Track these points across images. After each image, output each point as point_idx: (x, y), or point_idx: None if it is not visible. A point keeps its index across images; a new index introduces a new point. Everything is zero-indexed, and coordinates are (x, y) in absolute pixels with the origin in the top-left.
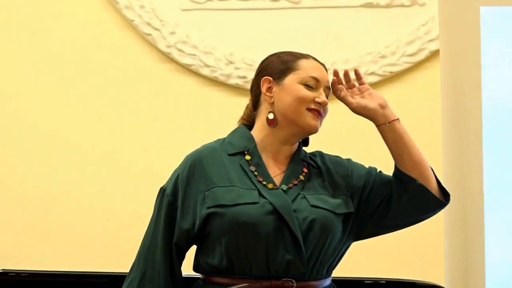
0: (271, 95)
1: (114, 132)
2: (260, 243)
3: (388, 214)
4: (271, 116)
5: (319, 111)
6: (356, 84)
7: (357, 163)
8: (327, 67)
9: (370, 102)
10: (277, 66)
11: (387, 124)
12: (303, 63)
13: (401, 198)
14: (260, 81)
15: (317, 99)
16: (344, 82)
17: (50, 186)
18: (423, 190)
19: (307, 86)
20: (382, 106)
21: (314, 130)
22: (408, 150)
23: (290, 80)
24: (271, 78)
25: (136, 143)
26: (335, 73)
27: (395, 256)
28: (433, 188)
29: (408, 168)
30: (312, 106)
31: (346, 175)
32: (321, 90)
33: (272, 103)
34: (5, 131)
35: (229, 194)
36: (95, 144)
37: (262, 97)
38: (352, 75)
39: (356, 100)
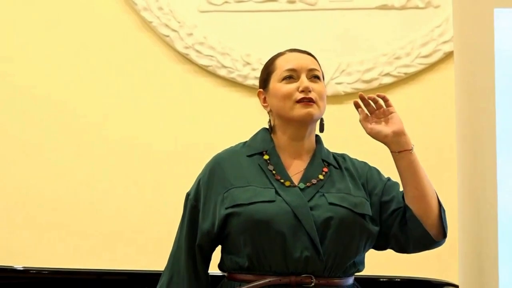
0: (266, 104)
1: (132, 131)
2: (276, 240)
3: (390, 234)
4: (269, 124)
5: (306, 98)
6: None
7: (381, 173)
8: (342, 68)
9: (384, 129)
10: (262, 77)
11: (397, 153)
12: (278, 61)
13: (402, 224)
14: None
15: (300, 88)
16: (372, 104)
17: (68, 185)
18: (416, 222)
19: (287, 79)
20: (397, 134)
21: (308, 117)
22: (412, 183)
23: (272, 83)
24: (261, 89)
25: (154, 143)
26: (361, 97)
27: (410, 255)
28: (428, 224)
29: (409, 200)
30: (299, 97)
31: (367, 179)
32: (303, 77)
33: (270, 111)
34: (21, 131)
35: (246, 194)
36: (113, 143)
37: None
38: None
39: (372, 125)
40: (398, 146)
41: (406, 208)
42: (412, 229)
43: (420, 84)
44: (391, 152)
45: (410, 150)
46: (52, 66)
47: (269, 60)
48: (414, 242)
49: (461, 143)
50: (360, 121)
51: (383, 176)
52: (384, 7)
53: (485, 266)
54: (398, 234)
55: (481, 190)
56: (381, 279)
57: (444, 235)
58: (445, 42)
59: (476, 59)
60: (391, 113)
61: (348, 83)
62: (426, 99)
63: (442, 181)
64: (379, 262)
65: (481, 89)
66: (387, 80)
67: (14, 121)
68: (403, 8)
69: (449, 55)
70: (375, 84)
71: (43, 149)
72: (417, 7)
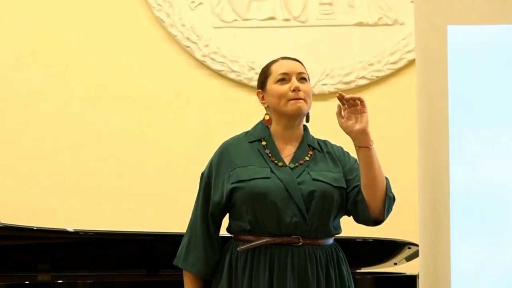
0: (264, 101)
1: (161, 123)
2: (271, 209)
3: (347, 206)
4: (266, 117)
5: (297, 98)
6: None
7: (351, 156)
8: (327, 72)
9: (352, 125)
10: (260, 79)
11: (358, 147)
12: (273, 67)
13: (354, 202)
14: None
15: (291, 88)
16: (348, 103)
17: (107, 162)
18: (363, 204)
19: (281, 81)
20: (359, 132)
21: (299, 112)
22: (365, 173)
23: (269, 84)
24: (260, 90)
25: (178, 132)
26: (341, 95)
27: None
28: (373, 206)
29: (361, 185)
30: (291, 97)
31: (341, 160)
32: (293, 79)
33: (267, 107)
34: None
35: (247, 172)
36: (146, 133)
37: None
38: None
39: (343, 120)
40: (359, 142)
41: (359, 190)
42: (360, 209)
43: (389, 86)
44: (353, 144)
45: (368, 147)
46: (90, 70)
47: (265, 66)
48: (359, 219)
49: (421, 131)
50: (336, 114)
51: (352, 159)
52: (360, 24)
53: (439, 229)
54: (351, 208)
55: (436, 170)
56: (357, 240)
57: (383, 219)
58: (408, 51)
59: (432, 66)
60: (363, 113)
61: (332, 84)
62: (394, 97)
63: (405, 158)
64: (355, 225)
65: (437, 89)
66: (363, 82)
67: (71, 107)
68: (375, 25)
69: (411, 62)
70: (352, 85)
71: (97, 134)
72: (386, 24)
